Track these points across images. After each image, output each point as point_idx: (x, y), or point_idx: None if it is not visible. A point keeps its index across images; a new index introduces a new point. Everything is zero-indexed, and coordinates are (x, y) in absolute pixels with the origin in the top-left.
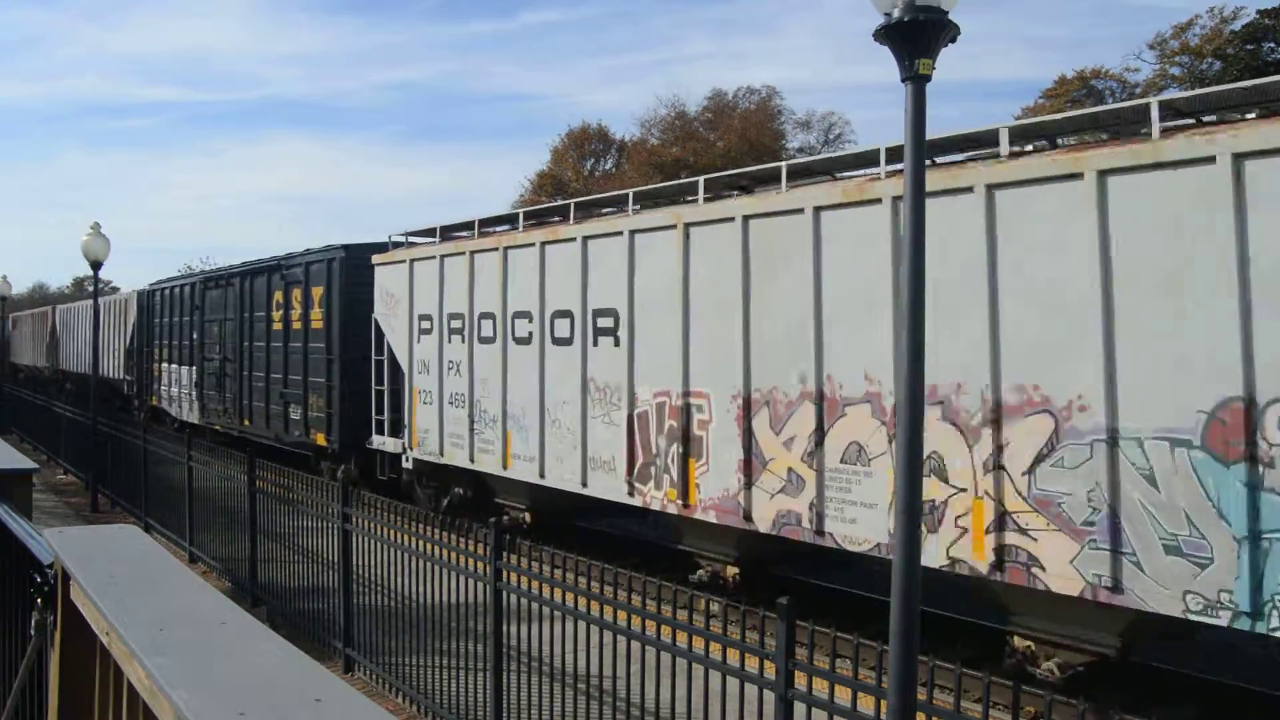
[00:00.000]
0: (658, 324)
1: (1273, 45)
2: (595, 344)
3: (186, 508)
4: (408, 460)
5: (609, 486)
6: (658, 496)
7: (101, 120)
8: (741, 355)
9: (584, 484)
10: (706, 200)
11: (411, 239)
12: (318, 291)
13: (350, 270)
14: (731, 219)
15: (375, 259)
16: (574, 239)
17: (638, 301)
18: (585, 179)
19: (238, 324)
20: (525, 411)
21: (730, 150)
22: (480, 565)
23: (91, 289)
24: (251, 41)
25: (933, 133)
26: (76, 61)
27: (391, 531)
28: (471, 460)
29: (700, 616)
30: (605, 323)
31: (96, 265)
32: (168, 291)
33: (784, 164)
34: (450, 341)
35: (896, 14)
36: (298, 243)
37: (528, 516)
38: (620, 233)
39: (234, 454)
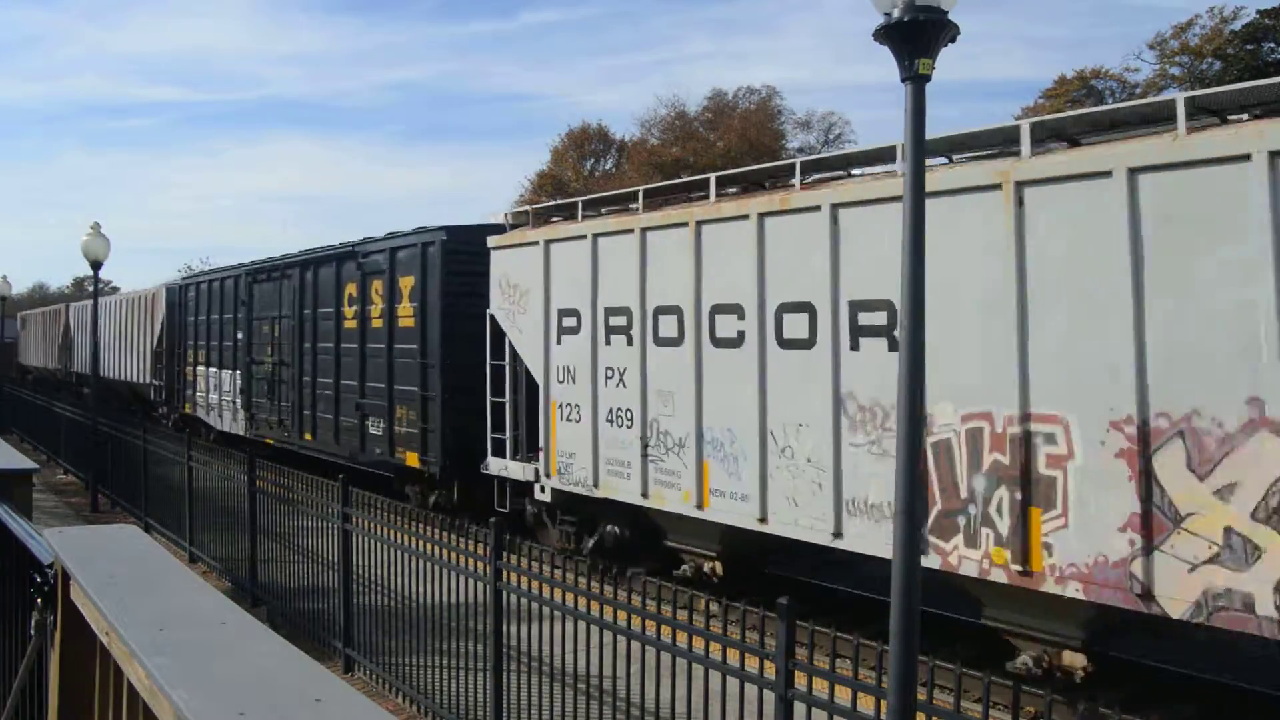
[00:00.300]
0: (967, 320)
1: (1273, 45)
2: (855, 347)
3: (186, 508)
4: (543, 491)
5: (881, 539)
6: (972, 558)
7: (101, 120)
8: (1133, 365)
9: (837, 534)
10: (1041, 152)
11: (537, 214)
12: (407, 282)
13: (452, 256)
14: (1105, 174)
15: (492, 242)
16: (815, 208)
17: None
18: (585, 179)
19: (296, 322)
20: (734, 435)
21: (730, 150)
22: (480, 565)
23: (91, 289)
24: (251, 41)
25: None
26: (76, 61)
27: (391, 531)
28: (645, 495)
29: (700, 616)
30: (871, 319)
31: (96, 265)
32: (204, 286)
33: (1180, 96)
34: (609, 343)
35: (896, 14)
36: (300, 243)
37: (718, 566)
38: (896, 198)
39: (234, 454)
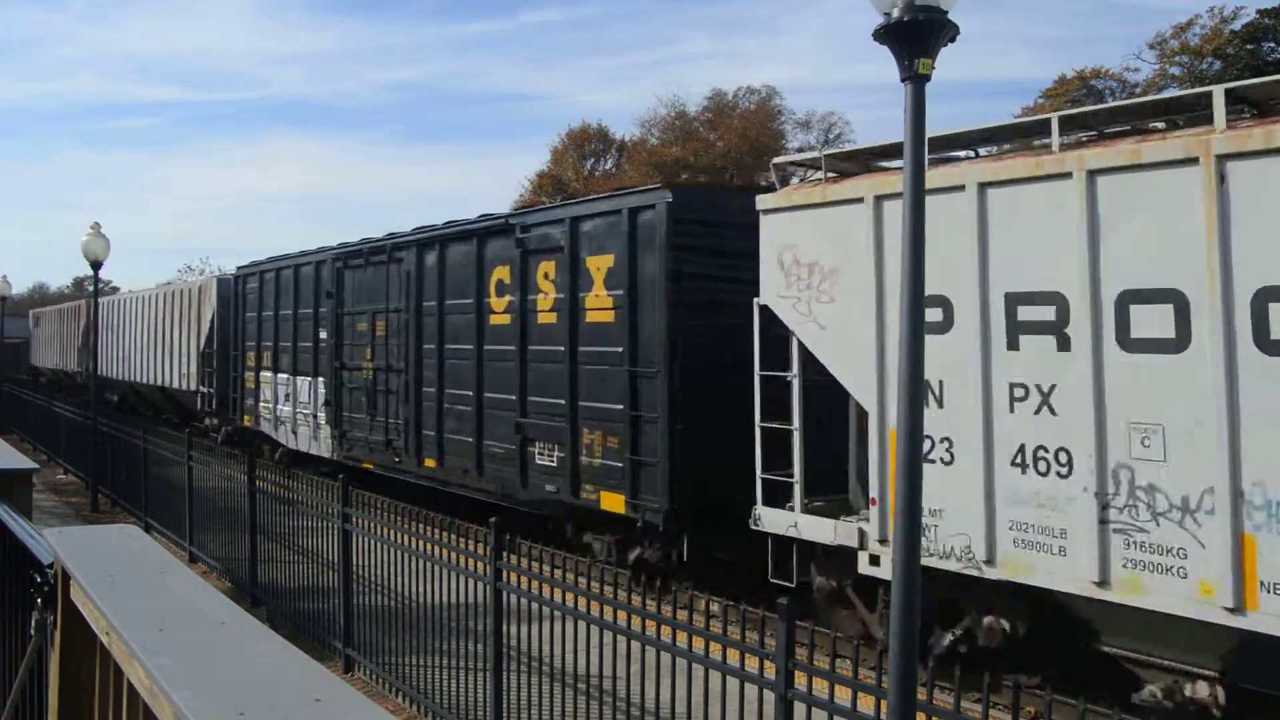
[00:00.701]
0: None
1: (1273, 45)
2: None
3: (186, 508)
4: (874, 562)
5: None
6: None
7: (101, 120)
8: None
9: None
10: None
11: (833, 163)
12: (601, 263)
13: (682, 227)
14: None
15: (766, 202)
16: None
17: None
18: (585, 179)
19: (412, 316)
20: None
21: (730, 150)
22: (480, 565)
23: (91, 289)
24: (251, 41)
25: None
26: (76, 61)
27: (391, 531)
28: (1104, 583)
29: (700, 616)
30: None
31: (96, 265)
32: (271, 275)
33: None
34: (1016, 347)
35: (896, 14)
36: (302, 242)
37: (1219, 691)
38: None
39: (234, 454)
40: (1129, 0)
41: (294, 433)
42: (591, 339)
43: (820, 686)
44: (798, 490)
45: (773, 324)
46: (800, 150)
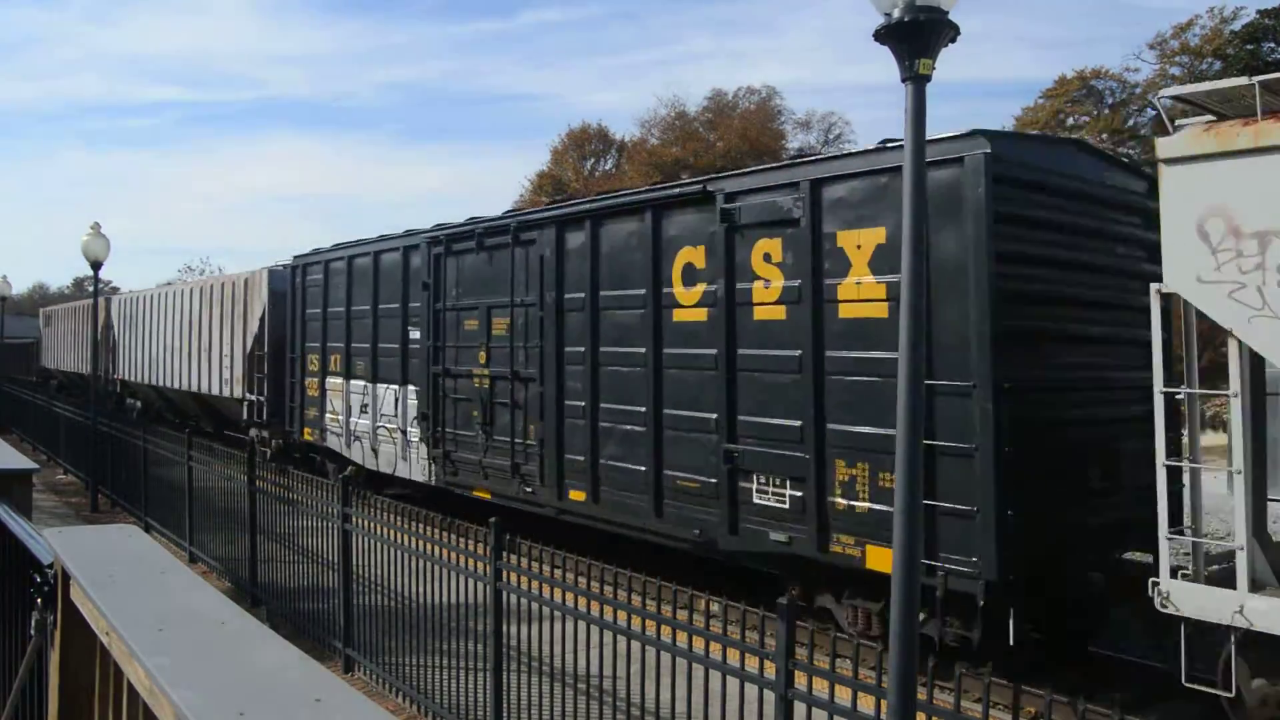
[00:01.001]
0: None
1: (1273, 45)
2: None
3: (186, 508)
4: None
5: None
6: None
7: (101, 120)
8: None
9: None
10: None
11: (1268, 97)
12: (863, 239)
13: (1006, 190)
14: None
15: (1171, 146)
16: None
17: None
18: (585, 179)
19: (549, 312)
20: None
21: (730, 150)
22: (480, 565)
23: (91, 289)
24: (251, 41)
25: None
26: (76, 61)
27: (391, 531)
28: None
29: (700, 616)
30: None
31: (96, 265)
32: (340, 265)
33: None
34: None
35: (896, 14)
36: (303, 242)
37: None
38: None
39: (234, 454)
40: (1129, 0)
41: (374, 450)
42: (848, 341)
43: (820, 686)
44: (1242, 560)
45: (1172, 321)
46: (801, 150)
